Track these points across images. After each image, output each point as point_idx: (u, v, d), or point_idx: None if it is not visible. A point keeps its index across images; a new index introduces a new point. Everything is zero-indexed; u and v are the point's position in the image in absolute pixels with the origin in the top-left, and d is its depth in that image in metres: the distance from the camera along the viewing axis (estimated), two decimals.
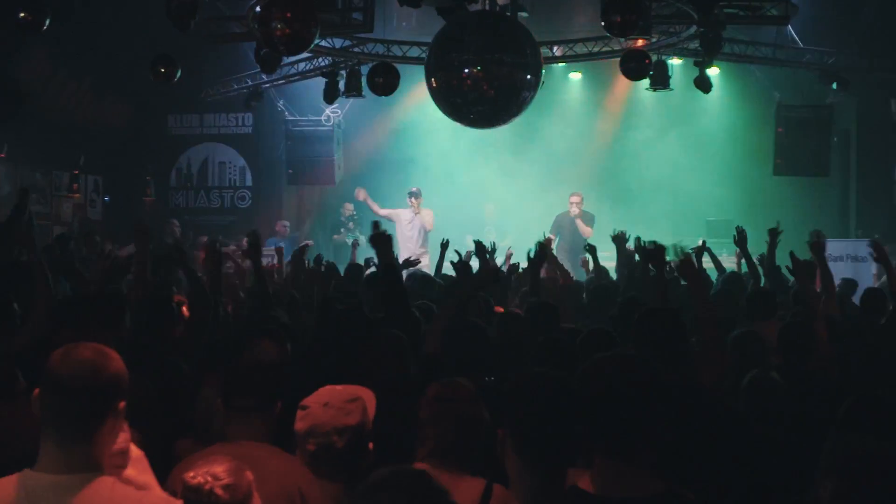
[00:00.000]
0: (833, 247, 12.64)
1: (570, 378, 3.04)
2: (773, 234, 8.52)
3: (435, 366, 4.63)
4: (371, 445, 2.93)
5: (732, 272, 10.03)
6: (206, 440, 3.78)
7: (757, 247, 10.13)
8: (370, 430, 2.92)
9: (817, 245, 7.50)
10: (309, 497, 3.26)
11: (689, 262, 5.17)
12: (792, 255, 7.26)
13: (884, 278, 12.81)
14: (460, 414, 3.36)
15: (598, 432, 2.71)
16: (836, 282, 8.06)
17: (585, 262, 11.58)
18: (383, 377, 4.28)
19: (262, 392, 3.63)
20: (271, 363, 4.07)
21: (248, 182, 18.04)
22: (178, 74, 12.95)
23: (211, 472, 2.87)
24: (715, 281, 9.29)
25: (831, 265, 8.34)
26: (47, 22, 9.67)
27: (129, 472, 2.80)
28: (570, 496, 2.72)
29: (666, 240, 6.88)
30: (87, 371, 2.70)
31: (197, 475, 2.86)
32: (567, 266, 10.95)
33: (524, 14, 12.38)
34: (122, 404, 2.76)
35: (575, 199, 14.97)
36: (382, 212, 15.39)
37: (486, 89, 11.23)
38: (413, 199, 15.38)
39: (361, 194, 15.94)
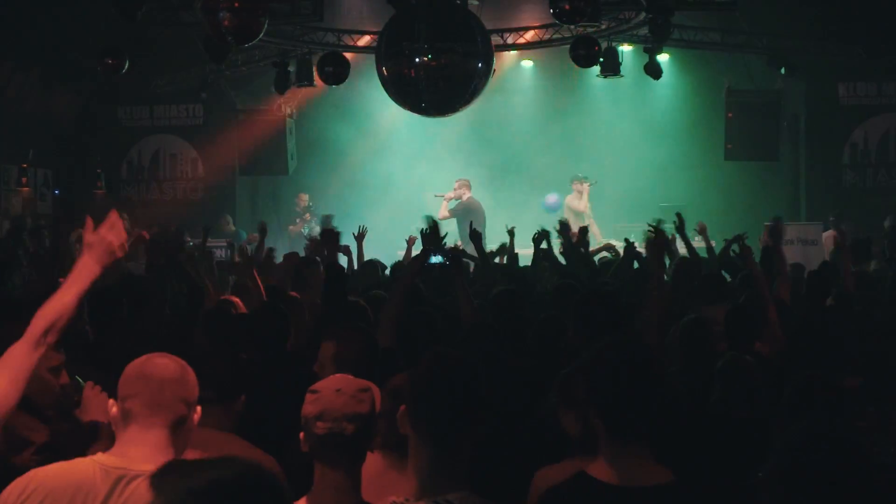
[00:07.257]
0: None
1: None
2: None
3: (389, 360, 4.60)
4: (378, 439, 2.98)
5: (684, 257, 10.09)
6: None
7: (712, 233, 10.44)
8: (376, 421, 2.97)
9: (775, 230, 7.60)
10: None
11: (663, 238, 5.38)
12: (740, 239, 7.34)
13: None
14: None
15: (615, 417, 2.75)
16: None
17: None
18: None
19: (221, 385, 3.90)
20: (226, 358, 4.17)
21: (200, 173, 17.87)
22: (127, 66, 12.82)
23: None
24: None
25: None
26: None
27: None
28: (581, 483, 2.74)
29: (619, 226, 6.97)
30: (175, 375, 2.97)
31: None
32: None
33: (475, 2, 12.39)
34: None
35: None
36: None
37: (436, 78, 11.25)
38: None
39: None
